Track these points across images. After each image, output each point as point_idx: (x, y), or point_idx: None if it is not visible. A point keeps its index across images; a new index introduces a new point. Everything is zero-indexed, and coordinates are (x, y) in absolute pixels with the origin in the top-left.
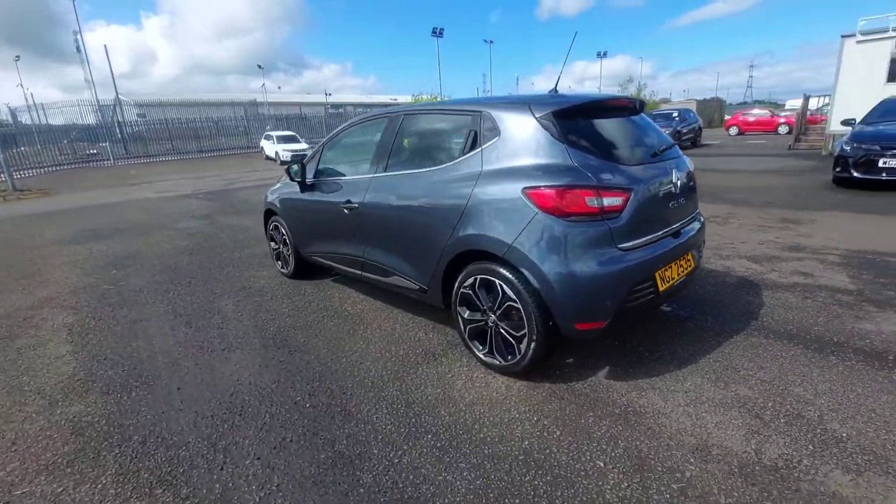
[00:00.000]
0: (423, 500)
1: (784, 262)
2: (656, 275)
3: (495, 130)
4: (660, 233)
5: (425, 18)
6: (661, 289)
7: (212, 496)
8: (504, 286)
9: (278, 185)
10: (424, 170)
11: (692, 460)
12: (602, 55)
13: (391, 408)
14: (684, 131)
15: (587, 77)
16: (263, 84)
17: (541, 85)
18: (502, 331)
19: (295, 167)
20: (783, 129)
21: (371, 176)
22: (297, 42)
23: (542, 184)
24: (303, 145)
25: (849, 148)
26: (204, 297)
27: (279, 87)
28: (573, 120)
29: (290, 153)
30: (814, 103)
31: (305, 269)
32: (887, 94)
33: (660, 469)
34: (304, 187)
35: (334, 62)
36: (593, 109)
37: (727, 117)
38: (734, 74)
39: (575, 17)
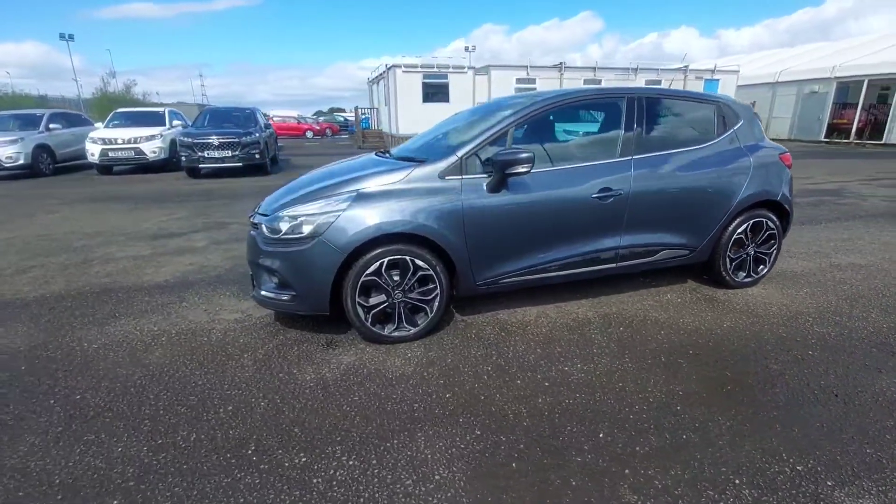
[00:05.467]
0: None
1: None
2: None
3: (736, 116)
4: None
5: None
6: None
7: None
8: (769, 222)
9: (361, 204)
10: (692, 147)
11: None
12: (66, 38)
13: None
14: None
15: None
16: None
17: None
18: (759, 255)
19: (514, 158)
20: (310, 134)
21: (629, 159)
22: None
23: (784, 151)
24: None
25: None
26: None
27: None
28: None
29: None
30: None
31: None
32: (426, 109)
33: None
34: (502, 185)
35: None
36: None
37: None
38: (181, 81)
39: None
